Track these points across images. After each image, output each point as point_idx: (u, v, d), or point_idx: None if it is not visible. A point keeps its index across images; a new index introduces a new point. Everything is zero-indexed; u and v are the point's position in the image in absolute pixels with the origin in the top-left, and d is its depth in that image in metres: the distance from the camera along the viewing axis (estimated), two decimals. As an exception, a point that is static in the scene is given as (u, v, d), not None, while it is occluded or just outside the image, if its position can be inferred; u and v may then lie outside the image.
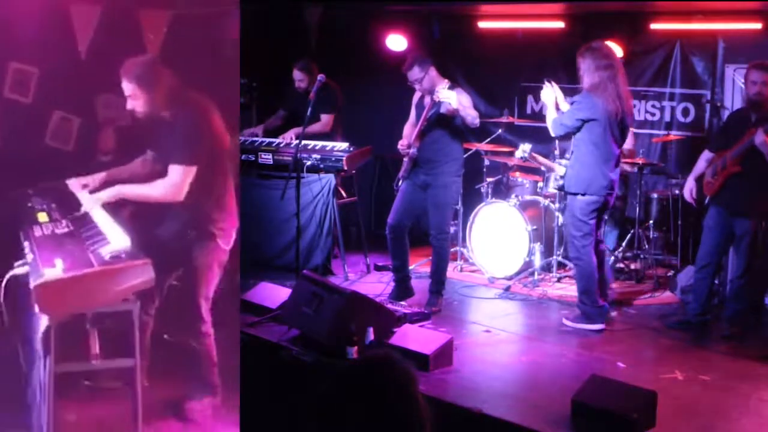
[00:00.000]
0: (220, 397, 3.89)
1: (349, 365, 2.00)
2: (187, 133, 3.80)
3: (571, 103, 5.45)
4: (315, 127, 6.98)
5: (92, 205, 3.77)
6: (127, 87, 3.79)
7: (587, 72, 5.31)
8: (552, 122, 5.48)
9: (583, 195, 5.38)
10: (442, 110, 5.65)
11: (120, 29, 4.46)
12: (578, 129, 5.37)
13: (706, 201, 5.54)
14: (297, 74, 7.02)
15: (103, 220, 3.60)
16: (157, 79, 3.79)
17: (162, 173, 3.82)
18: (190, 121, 3.82)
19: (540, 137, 7.82)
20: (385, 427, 1.83)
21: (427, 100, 5.81)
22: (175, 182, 3.75)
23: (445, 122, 5.74)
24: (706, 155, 5.63)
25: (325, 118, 7.08)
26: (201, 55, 4.22)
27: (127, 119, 4.43)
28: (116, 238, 3.40)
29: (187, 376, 3.90)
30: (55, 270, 3.16)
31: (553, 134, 5.62)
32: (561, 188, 5.66)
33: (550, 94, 5.53)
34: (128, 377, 3.44)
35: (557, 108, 5.51)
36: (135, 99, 3.79)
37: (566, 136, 5.65)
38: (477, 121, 5.73)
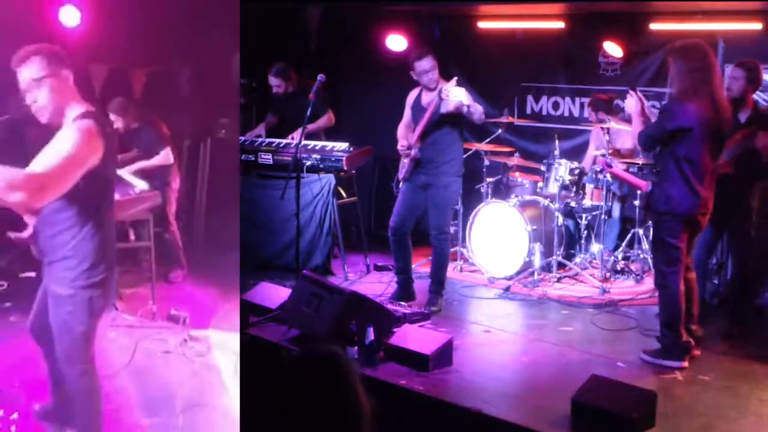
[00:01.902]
0: (186, 270, 6.71)
1: (289, 361, 2.03)
2: (156, 133, 6.54)
3: (661, 112, 4.88)
4: (321, 123, 7.04)
5: (125, 173, 6.20)
6: (112, 115, 6.23)
7: (678, 74, 4.69)
8: (639, 135, 4.87)
9: (673, 215, 4.74)
10: (443, 110, 5.64)
11: (118, 78, 7.43)
12: (667, 141, 4.73)
13: None
14: (273, 80, 7.04)
15: (132, 179, 6.18)
16: (126, 109, 6.43)
17: (152, 154, 6.54)
18: (151, 127, 6.56)
19: (539, 137, 7.85)
20: (319, 421, 1.86)
21: (425, 99, 5.81)
22: (166, 154, 6.56)
23: (445, 122, 5.74)
24: None
25: (326, 116, 7.11)
26: (171, 89, 7.75)
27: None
28: (140, 185, 6.11)
29: (168, 259, 6.66)
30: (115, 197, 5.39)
31: (640, 148, 5.12)
32: (646, 207, 4.92)
33: (635, 103, 4.97)
34: (147, 257, 6.21)
35: (643, 117, 4.95)
36: (116, 122, 6.25)
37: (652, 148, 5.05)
38: (483, 116, 5.71)
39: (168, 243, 6.61)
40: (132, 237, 6.29)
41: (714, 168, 4.76)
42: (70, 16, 5.96)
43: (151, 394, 4.57)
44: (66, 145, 3.21)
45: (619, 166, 6.66)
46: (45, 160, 3.19)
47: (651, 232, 6.88)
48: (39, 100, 3.38)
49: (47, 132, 6.24)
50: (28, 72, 3.36)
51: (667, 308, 4.88)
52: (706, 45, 4.76)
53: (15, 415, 3.97)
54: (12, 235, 3.54)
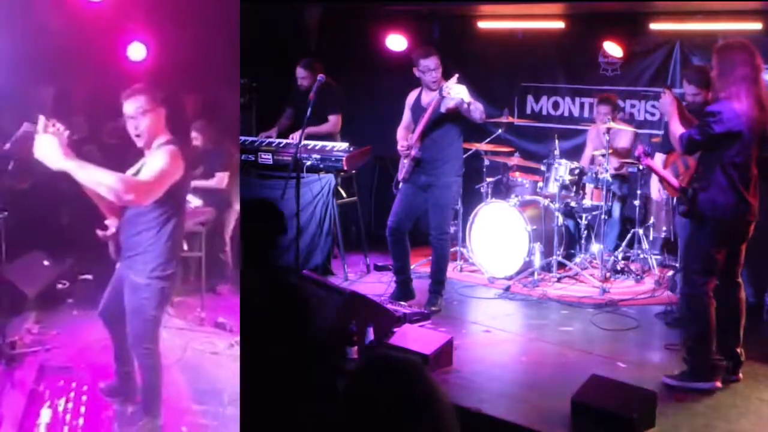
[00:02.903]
0: (230, 284, 6.88)
1: (352, 381, 1.93)
2: (223, 157, 6.96)
3: (707, 113, 4.45)
4: (325, 128, 7.01)
5: None
6: (194, 133, 6.87)
7: (724, 74, 4.40)
8: (680, 138, 4.49)
9: (720, 223, 4.42)
10: (442, 109, 5.64)
11: (177, 105, 7.14)
12: (715, 144, 4.40)
13: (674, 201, 5.53)
14: (300, 72, 7.03)
15: (188, 196, 5.99)
16: (206, 130, 6.97)
17: (210, 175, 6.95)
18: (222, 151, 6.98)
19: (539, 137, 7.85)
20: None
21: (426, 99, 5.81)
22: (222, 178, 6.92)
23: (445, 121, 5.73)
24: (660, 158, 5.64)
25: (333, 119, 7.09)
26: (217, 112, 7.59)
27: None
28: (195, 201, 6.58)
29: (218, 274, 6.90)
30: None
31: (681, 151, 4.71)
32: (686, 214, 4.62)
33: (671, 103, 4.65)
34: (197, 267, 6.59)
35: (681, 118, 4.62)
36: (196, 139, 6.91)
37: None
38: (484, 115, 5.70)
39: (220, 262, 6.90)
40: (185, 247, 6.58)
41: (757, 174, 4.47)
42: (137, 52, 6.70)
43: (201, 387, 4.92)
44: (161, 162, 3.92)
45: (616, 165, 6.66)
46: (146, 172, 3.91)
47: (650, 232, 6.93)
48: (140, 127, 4.04)
49: (104, 153, 6.66)
50: (132, 105, 4.02)
51: (698, 322, 4.54)
52: (751, 44, 4.48)
53: (85, 387, 4.74)
54: (99, 233, 4.15)
